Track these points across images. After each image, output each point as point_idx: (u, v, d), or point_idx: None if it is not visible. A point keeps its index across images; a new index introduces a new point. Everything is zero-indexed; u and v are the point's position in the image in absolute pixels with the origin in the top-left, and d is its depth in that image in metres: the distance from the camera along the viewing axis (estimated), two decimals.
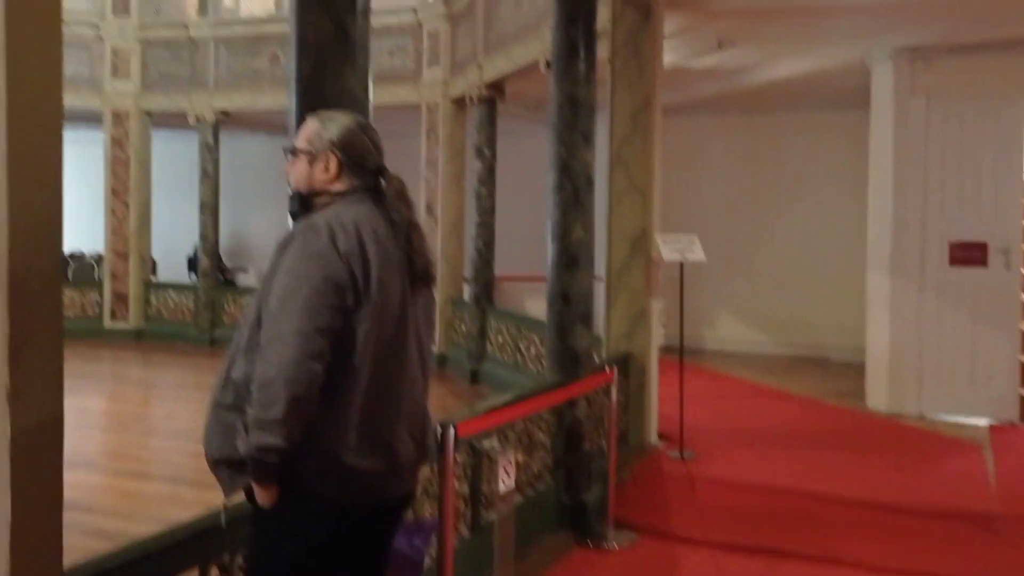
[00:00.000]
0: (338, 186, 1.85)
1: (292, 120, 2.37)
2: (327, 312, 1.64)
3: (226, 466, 1.71)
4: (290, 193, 1.91)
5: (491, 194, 8.60)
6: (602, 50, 5.15)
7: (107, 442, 6.71)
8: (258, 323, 1.70)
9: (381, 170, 1.88)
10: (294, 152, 1.90)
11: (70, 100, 9.96)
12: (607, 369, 4.31)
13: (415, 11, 9.80)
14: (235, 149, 12.05)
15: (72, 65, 10.40)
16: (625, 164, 5.62)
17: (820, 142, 9.63)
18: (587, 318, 4.41)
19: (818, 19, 6.09)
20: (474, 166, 8.73)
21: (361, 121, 1.94)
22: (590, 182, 4.47)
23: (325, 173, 1.84)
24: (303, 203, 1.88)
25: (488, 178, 8.59)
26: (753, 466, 5.33)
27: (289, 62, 2.33)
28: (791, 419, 6.77)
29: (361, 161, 1.86)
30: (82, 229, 11.27)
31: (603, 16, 5.06)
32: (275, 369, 1.60)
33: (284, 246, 1.74)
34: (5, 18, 1.37)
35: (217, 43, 10.99)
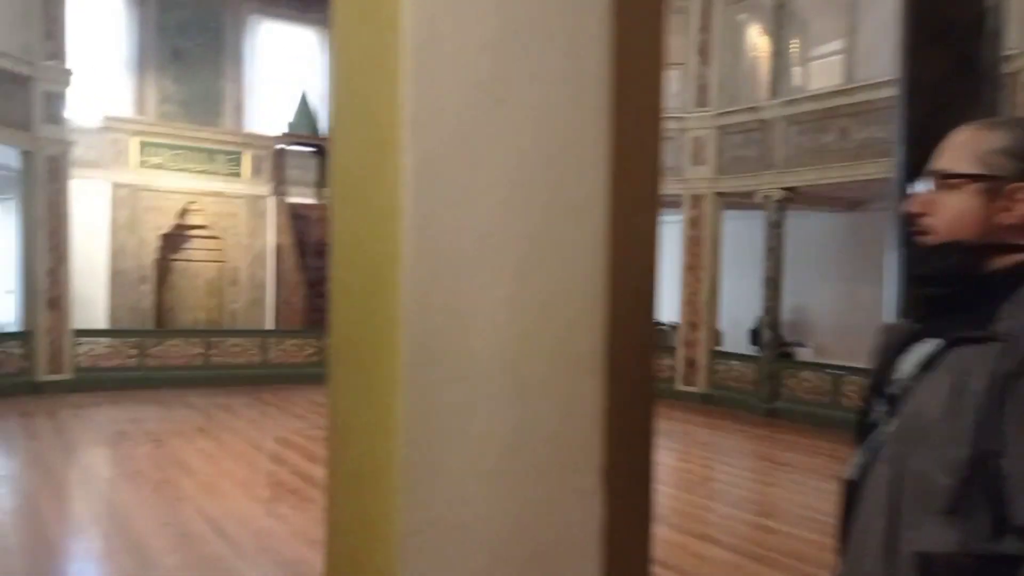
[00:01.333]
0: None
1: (899, 174, 1.96)
2: None
3: None
4: (929, 244, 1.17)
5: None
6: None
7: (676, 499, 6.83)
8: (970, 477, 1.02)
9: None
10: (944, 179, 1.16)
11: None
12: None
13: None
14: (797, 226, 11.78)
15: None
16: None
17: None
18: None
19: None
20: None
21: None
22: None
23: (1015, 214, 1.11)
24: (968, 262, 1.13)
25: None
26: None
27: (897, 109, 1.95)
28: None
29: None
30: (661, 299, 12.11)
31: None
32: None
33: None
34: (610, 115, 1.30)
35: (786, 122, 10.92)
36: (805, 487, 6.88)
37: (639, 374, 1.31)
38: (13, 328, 10.65)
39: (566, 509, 1.23)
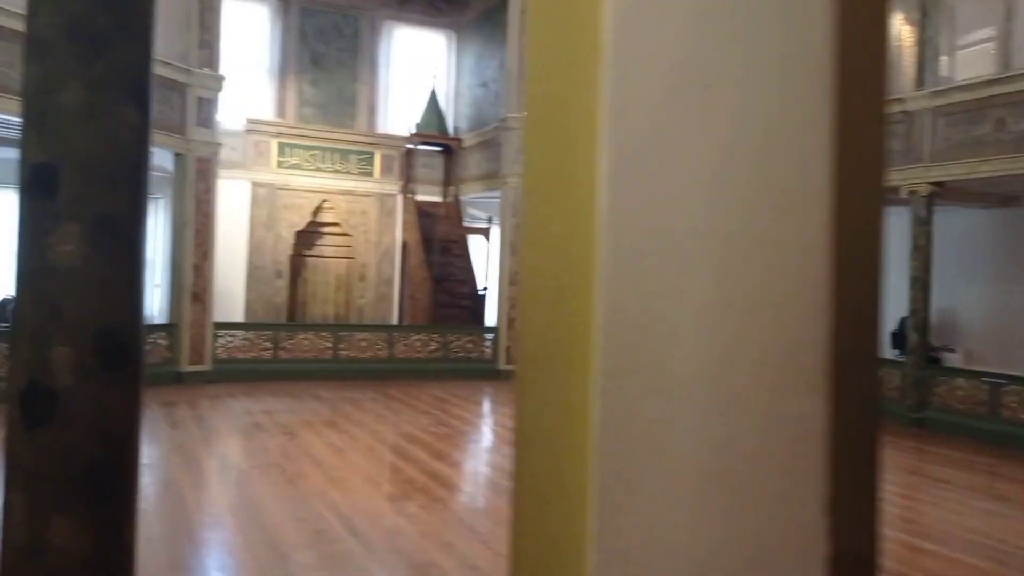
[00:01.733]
0: None
1: None
2: None
3: None
4: None
5: None
6: None
7: None
8: None
9: None
10: None
11: None
12: None
13: None
14: (944, 223, 10.99)
15: None
16: None
17: None
18: None
19: None
20: None
21: None
22: None
23: None
24: None
25: None
26: None
27: None
28: None
29: None
30: None
31: None
32: None
33: None
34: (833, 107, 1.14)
35: (933, 114, 10.23)
36: (965, 507, 6.33)
37: (866, 391, 1.15)
38: (160, 321, 11.28)
39: (784, 545, 1.08)
